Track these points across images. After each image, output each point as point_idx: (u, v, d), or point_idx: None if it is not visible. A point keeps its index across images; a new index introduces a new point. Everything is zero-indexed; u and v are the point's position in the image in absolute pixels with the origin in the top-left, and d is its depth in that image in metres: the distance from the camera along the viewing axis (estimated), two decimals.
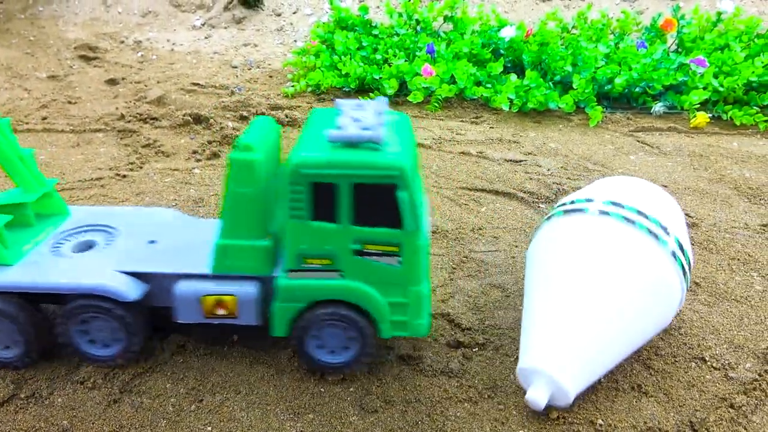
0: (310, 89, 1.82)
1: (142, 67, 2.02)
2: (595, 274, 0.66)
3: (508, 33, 1.88)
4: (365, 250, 0.63)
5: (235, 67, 2.03)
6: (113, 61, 2.07)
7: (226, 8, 2.30)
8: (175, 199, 1.15)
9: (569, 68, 1.74)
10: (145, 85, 1.84)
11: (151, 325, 0.72)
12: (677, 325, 0.85)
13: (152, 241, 0.75)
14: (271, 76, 1.96)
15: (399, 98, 1.80)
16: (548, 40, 1.85)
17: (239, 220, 0.65)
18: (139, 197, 1.16)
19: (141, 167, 1.30)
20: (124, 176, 1.25)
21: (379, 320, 0.66)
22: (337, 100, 0.70)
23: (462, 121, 1.68)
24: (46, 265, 0.69)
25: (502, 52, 1.91)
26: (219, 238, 0.66)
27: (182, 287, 0.67)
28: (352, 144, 0.60)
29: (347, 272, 0.64)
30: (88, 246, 0.76)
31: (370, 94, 1.76)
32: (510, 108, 1.68)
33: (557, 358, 0.63)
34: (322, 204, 0.61)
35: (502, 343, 0.80)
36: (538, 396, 0.63)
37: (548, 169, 1.37)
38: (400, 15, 2.02)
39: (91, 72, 2.00)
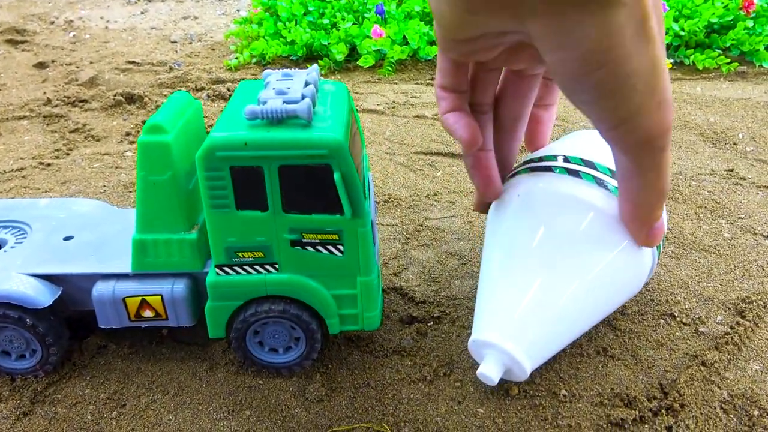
0: (254, 60, 1.71)
1: (74, 48, 1.88)
2: (557, 238, 0.60)
3: None
4: (303, 240, 0.56)
5: (175, 42, 1.90)
6: (43, 44, 1.93)
7: None
8: (104, 186, 1.06)
9: None
10: (77, 67, 1.71)
11: (69, 331, 0.65)
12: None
13: (68, 237, 0.67)
14: (213, 49, 1.84)
15: (350, 64, 1.70)
16: None
17: (156, 212, 0.58)
18: (65, 186, 1.07)
19: (68, 154, 1.20)
20: (49, 165, 1.15)
21: (326, 315, 0.60)
22: (266, 70, 0.62)
23: (417, 83, 1.60)
24: None
25: None
26: (136, 232, 0.59)
27: (101, 289, 0.60)
28: (275, 121, 0.53)
29: (284, 265, 0.58)
30: None
31: (319, 61, 1.66)
32: None
33: (511, 330, 0.56)
34: (246, 191, 0.54)
35: (459, 314, 0.75)
36: (489, 371, 0.56)
37: None
38: None
39: (18, 57, 1.86)
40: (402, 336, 0.70)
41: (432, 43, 1.69)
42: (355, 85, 1.58)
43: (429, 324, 0.73)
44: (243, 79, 1.61)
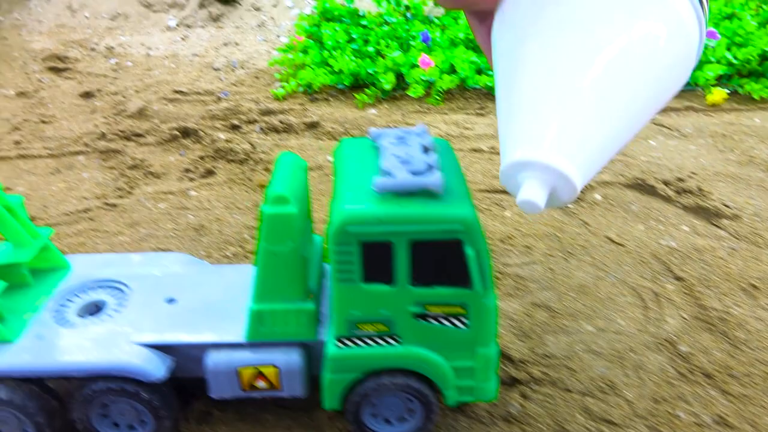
0: (301, 89, 1.71)
1: (117, 76, 1.89)
2: (582, 19, 0.43)
3: None
4: (427, 313, 0.55)
5: (218, 70, 1.90)
6: (85, 72, 1.94)
7: (201, 5, 2.16)
8: (174, 229, 1.06)
9: None
10: (123, 97, 1.71)
11: (179, 401, 0.64)
12: (743, 338, 0.78)
13: (170, 300, 0.66)
14: (257, 77, 1.84)
15: (396, 93, 1.70)
16: None
17: (276, 282, 0.56)
18: (134, 229, 1.06)
19: (131, 192, 1.20)
20: (114, 205, 1.14)
21: (444, 387, 0.58)
22: (371, 129, 0.61)
23: (466, 113, 1.59)
24: (53, 340, 0.60)
25: None
26: (253, 302, 0.58)
27: (215, 359, 0.59)
28: (404, 193, 0.52)
29: (406, 337, 0.56)
30: (96, 307, 0.67)
31: (366, 90, 1.66)
32: None
33: (546, 139, 0.42)
34: (375, 264, 0.53)
35: (560, 375, 0.73)
36: (533, 195, 0.41)
37: None
38: (389, 1, 1.91)
39: (63, 85, 1.86)
40: (507, 400, 0.69)
41: (479, 71, 1.68)
42: (404, 116, 1.57)
43: (532, 387, 0.71)
44: (291, 108, 1.61)
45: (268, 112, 1.56)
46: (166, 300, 0.66)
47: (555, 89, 0.43)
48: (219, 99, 1.67)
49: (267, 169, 1.26)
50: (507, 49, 0.46)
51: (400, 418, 0.62)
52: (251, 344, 0.60)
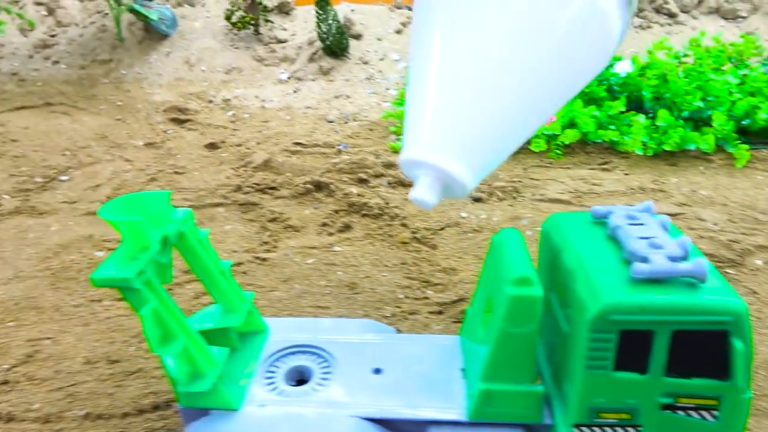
0: None
1: (236, 128, 1.98)
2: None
3: (623, 68, 1.77)
4: (676, 404, 0.53)
5: (332, 122, 1.97)
6: (206, 123, 2.04)
7: (310, 59, 2.25)
8: (327, 286, 1.07)
9: (699, 103, 1.62)
10: (247, 148, 1.79)
11: None
12: None
13: (377, 370, 0.66)
14: (371, 129, 1.89)
15: None
16: (665, 72, 1.73)
17: (510, 363, 0.56)
18: (288, 284, 1.08)
19: (276, 246, 1.23)
20: (264, 259, 1.18)
21: None
22: (595, 207, 0.61)
23: (590, 168, 1.56)
24: (274, 410, 0.61)
25: (616, 88, 1.80)
26: (482, 381, 0.57)
27: None
28: (660, 280, 0.50)
29: (648, 427, 0.54)
30: (300, 374, 0.68)
31: None
32: (644, 152, 1.56)
33: (426, 137, 0.41)
34: (629, 353, 0.51)
35: None
36: (421, 194, 0.42)
37: (715, 224, 1.24)
38: None
39: (187, 136, 1.97)
40: None
41: (600, 126, 1.66)
42: (527, 170, 1.56)
43: None
44: None
45: (391, 165, 1.58)
46: (372, 370, 0.66)
47: (438, 82, 0.40)
48: (339, 151, 1.72)
49: (404, 225, 1.27)
50: (414, 32, 0.44)
51: None
52: (472, 424, 0.59)
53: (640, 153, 1.56)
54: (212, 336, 0.67)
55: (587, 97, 1.78)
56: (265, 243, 1.24)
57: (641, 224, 0.57)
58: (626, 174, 1.51)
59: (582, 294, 0.52)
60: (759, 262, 1.09)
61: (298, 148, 1.77)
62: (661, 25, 2.28)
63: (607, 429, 0.55)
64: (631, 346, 0.51)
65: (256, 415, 0.60)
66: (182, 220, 0.62)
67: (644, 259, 0.51)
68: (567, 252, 0.58)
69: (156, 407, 0.81)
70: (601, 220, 0.61)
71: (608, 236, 0.58)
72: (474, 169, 0.43)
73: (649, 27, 2.25)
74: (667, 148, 1.54)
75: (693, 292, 0.49)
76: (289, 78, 2.29)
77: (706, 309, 0.48)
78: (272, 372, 0.67)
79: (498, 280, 0.58)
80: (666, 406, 0.53)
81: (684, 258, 0.51)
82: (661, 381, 0.52)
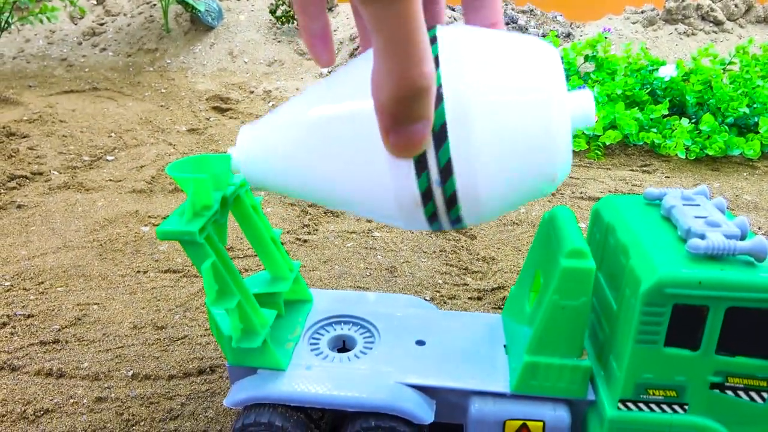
0: None
1: None
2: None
3: (667, 72, 1.75)
4: (726, 383, 0.52)
5: None
6: (246, 112, 2.08)
7: (351, 55, 2.27)
8: (366, 268, 1.09)
9: (745, 109, 1.59)
10: None
11: None
12: None
13: (420, 342, 0.67)
14: None
15: None
16: (710, 78, 1.70)
17: (558, 336, 0.56)
18: (328, 266, 1.10)
19: (317, 230, 1.25)
20: (305, 241, 1.20)
21: None
22: (648, 189, 0.61)
23: (631, 170, 1.55)
24: (321, 372, 0.62)
25: (659, 93, 1.78)
26: (528, 353, 0.57)
27: (481, 408, 0.59)
28: (716, 257, 0.50)
29: (695, 406, 0.54)
30: (342, 342, 0.69)
31: None
32: (686, 155, 1.54)
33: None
34: (682, 328, 0.51)
35: None
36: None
37: (759, 228, 1.22)
38: None
39: (228, 124, 2.01)
40: None
41: (642, 128, 1.64)
42: None
43: None
44: None
45: None
46: (416, 342, 0.67)
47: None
48: None
49: None
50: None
51: None
52: (515, 396, 0.59)
53: (682, 156, 1.54)
54: (261, 300, 0.69)
55: (629, 100, 1.76)
56: (306, 226, 1.26)
57: (697, 205, 0.57)
58: (667, 177, 1.50)
59: (637, 268, 0.52)
60: None
61: None
62: (706, 33, 2.24)
63: (652, 406, 0.55)
64: (684, 322, 0.51)
65: (303, 375, 0.61)
66: (240, 185, 0.64)
67: (701, 236, 0.51)
68: (620, 230, 0.58)
69: (201, 371, 0.83)
70: (654, 202, 0.61)
71: (663, 216, 0.58)
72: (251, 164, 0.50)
73: (693, 34, 2.22)
74: (710, 152, 1.52)
75: (750, 270, 0.49)
76: (329, 72, 2.32)
77: (764, 286, 0.48)
78: (316, 339, 0.69)
79: (549, 254, 0.58)
80: (715, 385, 0.53)
81: (742, 237, 0.51)
82: (712, 359, 0.52)
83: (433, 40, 0.46)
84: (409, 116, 0.36)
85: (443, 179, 0.45)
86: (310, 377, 0.61)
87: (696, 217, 0.54)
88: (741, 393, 0.53)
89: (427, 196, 0.46)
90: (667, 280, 0.49)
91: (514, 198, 0.48)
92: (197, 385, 0.80)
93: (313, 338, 0.69)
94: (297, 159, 0.49)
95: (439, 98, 0.43)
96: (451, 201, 0.47)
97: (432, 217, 0.48)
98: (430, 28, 0.48)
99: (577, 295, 0.54)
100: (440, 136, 0.44)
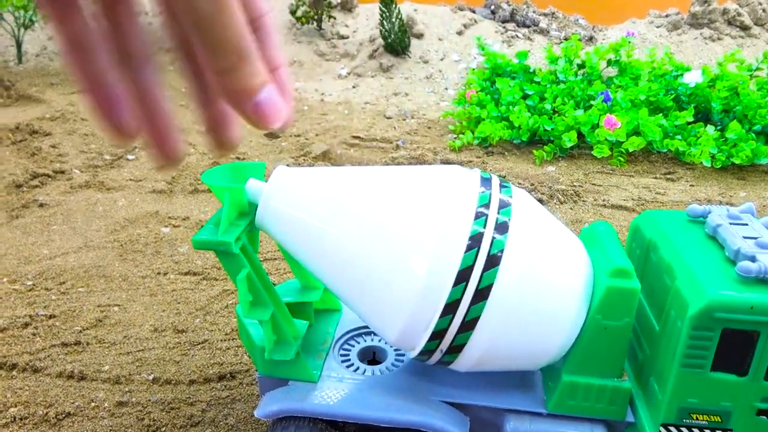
0: (476, 141, 1.73)
1: (296, 119, 2.01)
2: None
3: (693, 78, 1.72)
4: None
5: (390, 118, 1.97)
6: None
7: (371, 56, 2.26)
8: None
9: None
10: (306, 139, 1.81)
11: None
12: None
13: None
14: (429, 127, 1.89)
15: (574, 151, 1.67)
16: (737, 84, 1.68)
17: (598, 356, 0.54)
18: None
19: None
20: None
21: None
22: (691, 206, 0.59)
23: (655, 177, 1.53)
24: (354, 386, 0.61)
25: (684, 99, 1.75)
26: (566, 372, 0.56)
27: (516, 427, 0.58)
28: (767, 281, 0.49)
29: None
30: (372, 353, 0.68)
31: (544, 147, 1.64)
32: (712, 164, 1.51)
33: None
34: (730, 353, 0.50)
35: None
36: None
37: None
38: (569, 61, 1.90)
39: (247, 125, 2.00)
40: None
41: (666, 135, 1.62)
42: (589, 176, 1.54)
43: None
44: (469, 160, 1.62)
45: (450, 163, 1.58)
46: None
47: None
48: (397, 147, 1.73)
49: None
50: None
51: None
52: (552, 415, 0.58)
53: (707, 165, 1.51)
54: (291, 309, 0.68)
55: (653, 106, 1.74)
56: None
57: (744, 224, 0.55)
58: (692, 185, 1.47)
59: (683, 290, 0.50)
60: None
61: (357, 141, 1.78)
62: (733, 38, 2.21)
63: (695, 431, 0.53)
64: (733, 347, 0.49)
65: (335, 388, 0.60)
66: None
67: (752, 258, 0.49)
68: (663, 248, 0.56)
69: (221, 377, 0.82)
70: (698, 219, 0.59)
71: (708, 235, 0.56)
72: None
73: (719, 39, 2.19)
74: (736, 161, 1.49)
75: None
76: (348, 73, 2.31)
77: None
78: (347, 350, 0.68)
79: (594, 272, 0.57)
80: (761, 412, 0.51)
81: None
82: (761, 385, 0.50)
83: (507, 204, 0.52)
84: (248, 74, 0.31)
85: (462, 329, 0.50)
86: (343, 391, 0.60)
87: (745, 237, 0.52)
88: None
89: (438, 335, 0.51)
90: (717, 304, 0.48)
91: (500, 366, 0.56)
92: (218, 391, 0.80)
93: (344, 349, 0.68)
94: (325, 240, 0.52)
95: (496, 261, 0.48)
96: (455, 349, 0.52)
97: (426, 353, 0.54)
98: (504, 187, 0.54)
99: (620, 316, 0.53)
100: (483, 293, 0.49)
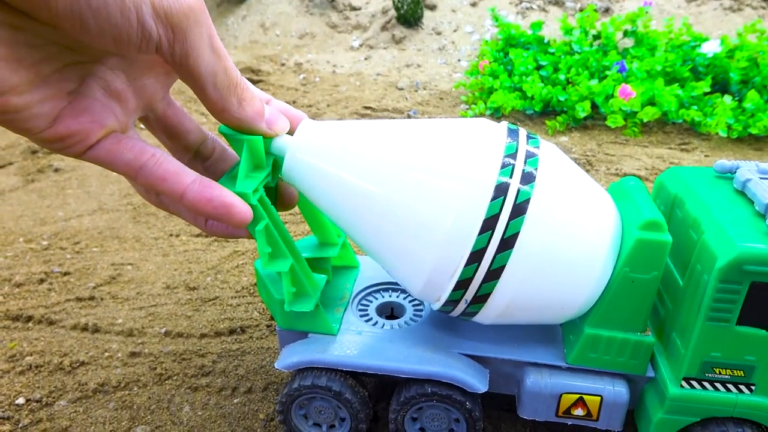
0: (488, 112, 1.71)
1: (307, 90, 1.99)
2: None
3: (711, 48, 1.69)
4: None
5: (401, 89, 1.95)
6: (278, 84, 2.06)
7: (383, 28, 2.23)
8: None
9: None
10: (317, 109, 1.80)
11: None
12: None
13: None
14: (441, 98, 1.87)
15: (587, 121, 1.65)
16: (756, 55, 1.64)
17: (623, 309, 0.54)
18: None
19: None
20: None
21: None
22: (719, 162, 0.58)
23: (669, 148, 1.51)
24: (373, 339, 0.61)
25: (701, 69, 1.72)
26: (589, 325, 0.56)
27: (536, 380, 0.58)
28: None
29: (762, 387, 0.52)
30: (391, 309, 0.68)
31: (557, 117, 1.62)
32: (728, 134, 1.49)
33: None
34: (757, 307, 0.49)
35: None
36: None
37: None
38: (584, 31, 1.87)
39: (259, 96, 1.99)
40: None
41: (682, 105, 1.59)
42: (602, 146, 1.52)
43: None
44: None
45: None
46: None
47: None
48: (409, 117, 1.71)
49: None
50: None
51: None
52: (572, 369, 0.58)
53: (724, 135, 1.49)
54: (309, 265, 0.68)
55: (669, 77, 1.71)
56: None
57: None
58: (707, 156, 1.46)
59: (712, 243, 0.50)
60: None
61: (368, 111, 1.77)
62: (754, 8, 2.16)
63: (717, 385, 0.53)
64: (760, 301, 0.49)
65: (355, 341, 0.60)
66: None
67: None
68: (690, 203, 0.56)
69: (232, 331, 0.83)
70: (725, 175, 0.58)
71: (736, 190, 0.56)
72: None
73: (740, 9, 2.14)
74: (753, 131, 1.47)
75: None
76: (360, 45, 2.28)
77: None
78: (365, 305, 0.68)
79: (623, 225, 0.56)
80: None
81: None
82: None
83: (534, 155, 0.52)
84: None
85: (488, 278, 0.50)
86: (362, 343, 0.60)
87: None
88: None
89: (463, 284, 0.51)
90: (747, 256, 0.47)
91: (524, 319, 0.55)
92: (228, 344, 0.80)
93: (362, 305, 0.68)
94: (353, 189, 0.52)
95: (522, 211, 0.48)
96: (479, 299, 0.52)
97: (451, 303, 0.53)
98: (532, 138, 0.54)
99: (649, 269, 0.52)
100: (509, 242, 0.48)
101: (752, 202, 0.53)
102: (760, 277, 0.48)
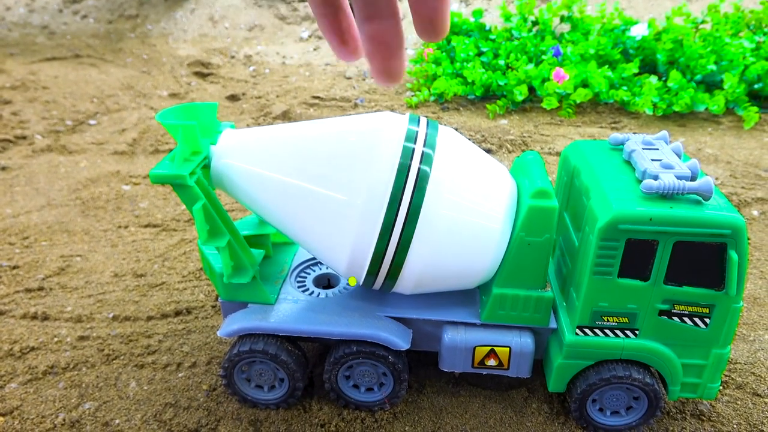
0: (432, 98, 1.77)
1: (257, 82, 2.01)
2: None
3: (639, 31, 1.79)
4: (672, 311, 0.58)
5: (350, 78, 2.00)
6: (228, 77, 2.07)
7: None
8: None
9: (712, 66, 1.64)
10: (267, 100, 1.83)
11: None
12: None
13: None
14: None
15: (526, 104, 1.73)
16: (681, 36, 1.75)
17: (523, 270, 0.61)
18: None
19: None
20: None
21: (671, 382, 0.61)
22: (613, 135, 0.65)
23: (600, 127, 1.60)
24: (307, 306, 0.67)
25: (631, 51, 1.82)
26: (496, 286, 0.62)
27: (453, 335, 0.64)
28: (667, 196, 0.55)
29: (645, 331, 0.60)
30: (327, 280, 0.74)
31: (497, 101, 1.70)
32: (654, 112, 1.59)
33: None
34: (634, 261, 0.56)
35: (746, 380, 0.74)
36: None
37: (716, 178, 1.29)
38: (523, 18, 1.95)
39: (210, 88, 2.00)
40: (696, 399, 0.70)
41: (613, 86, 1.69)
42: (538, 127, 1.60)
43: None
44: (425, 116, 1.66)
45: None
46: None
47: None
48: (356, 105, 1.76)
49: None
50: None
51: (624, 409, 0.65)
52: (485, 325, 0.64)
53: (650, 113, 1.59)
54: (250, 242, 0.73)
55: (602, 60, 1.80)
56: None
57: (655, 149, 0.61)
58: (635, 133, 1.55)
59: (595, 207, 0.57)
60: (755, 213, 1.14)
61: (316, 101, 1.81)
62: None
63: (607, 331, 0.60)
64: (636, 255, 0.56)
65: (291, 308, 0.66)
66: None
67: (655, 177, 0.56)
68: (584, 173, 0.62)
69: (178, 313, 0.87)
70: (617, 146, 0.66)
71: (624, 160, 0.63)
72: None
73: None
74: (677, 108, 1.58)
75: (697, 207, 0.54)
76: (309, 36, 2.31)
77: (708, 222, 0.53)
78: (303, 277, 0.73)
79: (518, 195, 0.63)
80: (663, 312, 0.58)
81: (692, 179, 0.56)
82: (661, 288, 0.57)
83: (433, 137, 0.58)
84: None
85: (398, 250, 0.56)
86: (297, 310, 0.66)
87: (653, 160, 0.59)
88: (686, 319, 0.58)
89: (378, 258, 0.57)
90: (621, 216, 0.54)
91: (439, 287, 0.63)
92: (174, 324, 0.85)
93: (300, 277, 0.73)
94: (273, 184, 0.58)
95: (423, 188, 0.55)
96: (394, 271, 0.58)
97: (370, 277, 0.60)
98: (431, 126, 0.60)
99: (542, 232, 0.59)
100: (413, 218, 0.55)
101: (635, 170, 0.60)
102: (634, 234, 0.55)
